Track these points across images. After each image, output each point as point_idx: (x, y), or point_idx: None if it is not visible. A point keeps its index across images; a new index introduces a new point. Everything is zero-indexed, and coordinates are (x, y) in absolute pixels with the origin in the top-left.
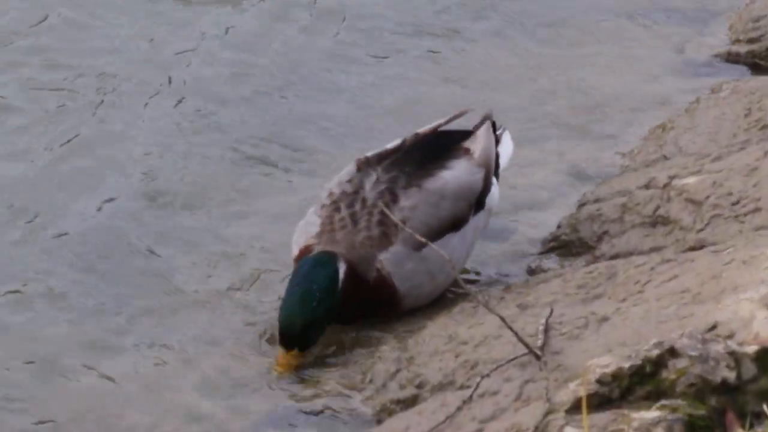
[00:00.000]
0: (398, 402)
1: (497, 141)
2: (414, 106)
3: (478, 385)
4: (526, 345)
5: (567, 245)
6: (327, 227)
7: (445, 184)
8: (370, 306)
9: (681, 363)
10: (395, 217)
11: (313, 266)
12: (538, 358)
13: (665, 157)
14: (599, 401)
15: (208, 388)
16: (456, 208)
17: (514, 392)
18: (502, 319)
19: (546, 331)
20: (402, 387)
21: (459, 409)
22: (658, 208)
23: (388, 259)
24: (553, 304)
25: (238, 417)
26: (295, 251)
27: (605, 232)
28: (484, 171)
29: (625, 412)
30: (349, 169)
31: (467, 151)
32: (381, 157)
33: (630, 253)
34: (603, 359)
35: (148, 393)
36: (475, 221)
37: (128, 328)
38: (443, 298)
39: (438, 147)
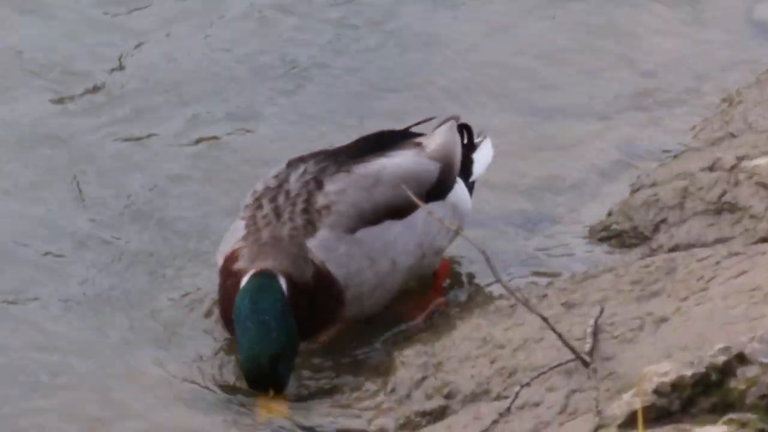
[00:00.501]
0: (424, 414)
1: (471, 146)
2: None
3: (516, 395)
4: (573, 349)
5: (619, 235)
6: (251, 228)
7: (382, 169)
8: (321, 312)
9: (751, 371)
10: (319, 204)
11: (254, 295)
12: (586, 364)
13: (732, 135)
14: (657, 414)
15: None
16: (396, 195)
17: (559, 404)
18: (545, 319)
19: (595, 333)
20: (429, 397)
21: (495, 422)
22: (724, 193)
23: (317, 246)
24: (604, 302)
25: None
26: (220, 261)
27: (663, 221)
28: (439, 165)
29: (687, 427)
30: (279, 167)
31: (418, 145)
32: (316, 153)
33: (691, 245)
34: (661, 366)
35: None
36: (429, 210)
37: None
38: (477, 295)
39: (384, 143)
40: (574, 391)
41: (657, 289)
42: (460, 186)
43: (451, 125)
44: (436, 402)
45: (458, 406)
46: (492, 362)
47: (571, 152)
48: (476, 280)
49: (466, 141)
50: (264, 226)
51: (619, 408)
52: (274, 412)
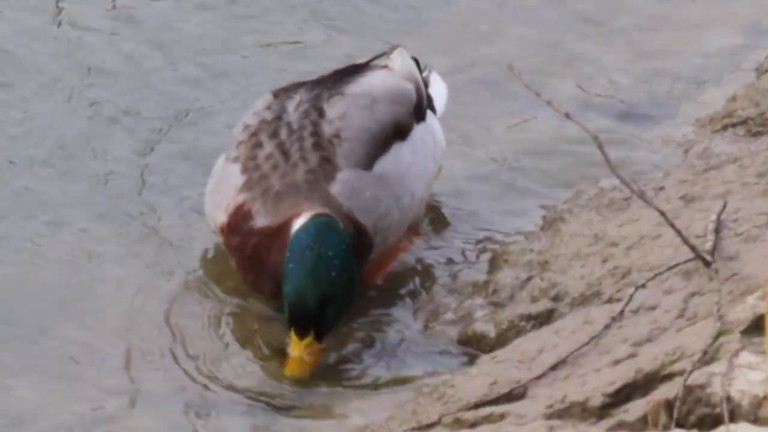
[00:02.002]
0: (529, 318)
1: (424, 81)
2: None
3: (630, 298)
4: (692, 248)
5: (744, 122)
6: (254, 173)
7: (371, 87)
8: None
9: None
10: (326, 135)
11: (320, 229)
12: (707, 264)
13: None
14: None
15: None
16: (394, 111)
17: (677, 307)
18: (663, 214)
19: (717, 230)
20: (534, 299)
21: (606, 327)
22: None
23: (340, 192)
24: (727, 196)
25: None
26: (222, 218)
27: None
28: (412, 84)
29: None
30: (265, 98)
31: (385, 67)
32: (301, 83)
33: None
34: None
35: None
36: (421, 132)
37: None
38: (588, 189)
39: (356, 71)
40: (693, 294)
41: None
42: (431, 115)
43: (401, 51)
44: (543, 305)
45: (566, 309)
46: (604, 261)
47: (690, 36)
48: (586, 171)
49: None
50: (271, 171)
51: (742, 312)
52: (302, 368)
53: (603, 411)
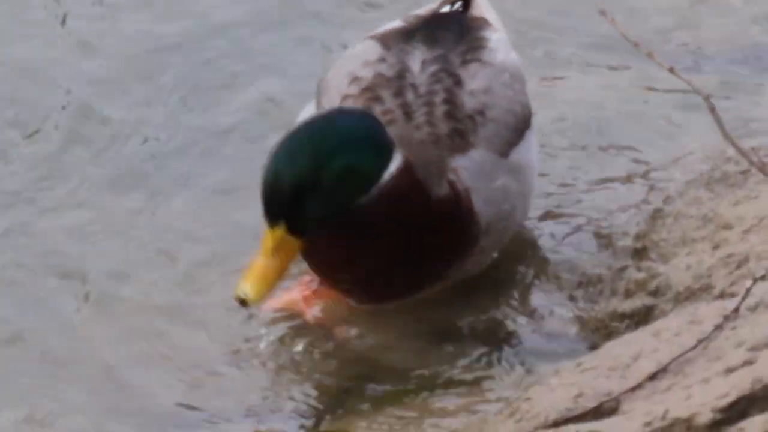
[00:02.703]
0: (623, 317)
1: None
2: None
3: (748, 292)
4: None
5: None
6: None
7: (505, 58)
8: (427, 241)
9: None
10: (468, 108)
11: (342, 112)
12: None
13: None
14: None
15: None
16: (524, 92)
17: None
18: None
19: None
20: (629, 294)
21: (718, 328)
22: None
23: (468, 168)
24: None
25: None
26: None
27: None
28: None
29: None
30: (371, 46)
31: (486, 22)
32: (405, 34)
33: None
34: None
35: None
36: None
37: None
38: (696, 161)
39: (452, 22)
40: None
41: None
42: None
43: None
44: (639, 300)
45: (668, 306)
46: (715, 248)
47: None
48: (690, 143)
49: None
50: (387, 124)
51: None
52: (258, 285)
53: (713, 429)
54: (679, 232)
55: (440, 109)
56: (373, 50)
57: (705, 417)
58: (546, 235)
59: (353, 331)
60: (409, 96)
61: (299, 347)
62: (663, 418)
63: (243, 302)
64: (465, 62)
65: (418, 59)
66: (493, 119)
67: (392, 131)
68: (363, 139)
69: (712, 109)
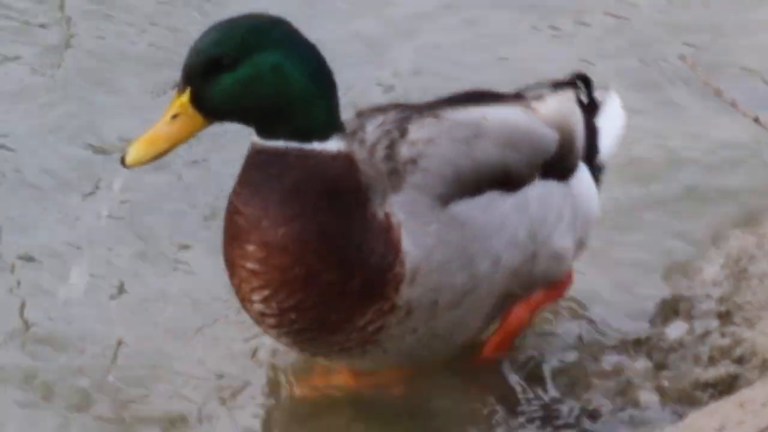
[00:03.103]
0: (706, 386)
1: (592, 108)
2: None
3: None
4: None
5: None
6: None
7: (484, 118)
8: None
9: None
10: (403, 156)
11: (309, 43)
12: None
13: None
14: None
15: None
16: (505, 156)
17: None
18: None
19: None
20: (712, 361)
21: None
22: None
23: (401, 203)
24: None
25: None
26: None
27: None
28: (557, 134)
29: None
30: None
31: (528, 106)
32: (393, 105)
33: None
34: None
35: None
36: (544, 192)
37: None
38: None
39: (480, 98)
40: None
41: None
42: (583, 173)
43: (570, 94)
44: (723, 368)
45: (754, 375)
46: None
47: None
48: None
49: (585, 99)
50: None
51: None
52: (149, 145)
53: None
54: (765, 294)
55: (380, 154)
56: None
57: None
58: (627, 295)
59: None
60: (354, 146)
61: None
62: None
63: (122, 161)
64: (421, 117)
65: (376, 122)
66: (424, 168)
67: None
68: (311, 64)
69: None
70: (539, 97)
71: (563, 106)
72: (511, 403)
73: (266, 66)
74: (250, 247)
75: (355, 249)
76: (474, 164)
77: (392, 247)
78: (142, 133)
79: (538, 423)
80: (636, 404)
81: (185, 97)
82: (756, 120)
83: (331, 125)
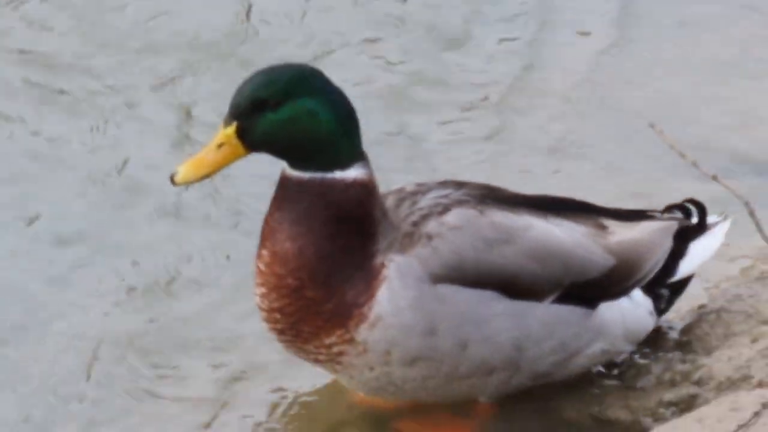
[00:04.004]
0: (669, 404)
1: (696, 230)
2: None
3: None
4: None
5: None
6: None
7: (525, 229)
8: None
9: None
10: (427, 229)
11: (339, 90)
12: None
13: None
14: None
15: None
16: (524, 268)
17: None
18: None
19: None
20: (674, 384)
21: (757, 415)
22: None
23: (399, 264)
24: None
25: None
26: None
27: None
28: (613, 262)
29: None
30: (431, 180)
31: (601, 227)
32: (479, 186)
33: None
34: None
35: None
36: (554, 318)
37: None
38: (736, 258)
39: (563, 208)
40: None
41: None
42: (633, 300)
43: (669, 228)
44: (684, 389)
45: (711, 395)
46: (754, 341)
47: None
48: (731, 240)
49: (694, 222)
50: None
51: None
52: (197, 167)
53: None
54: (721, 327)
55: (411, 219)
56: (426, 181)
57: None
58: None
59: None
60: (404, 205)
61: None
62: None
63: (172, 179)
64: (470, 206)
65: (442, 192)
66: (434, 248)
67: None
68: (340, 109)
69: (752, 213)
70: (637, 218)
71: (647, 236)
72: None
73: (304, 110)
74: (264, 251)
75: (341, 279)
76: (478, 263)
77: (370, 292)
78: (191, 157)
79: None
80: (608, 420)
81: (231, 129)
82: (714, 178)
83: (351, 156)
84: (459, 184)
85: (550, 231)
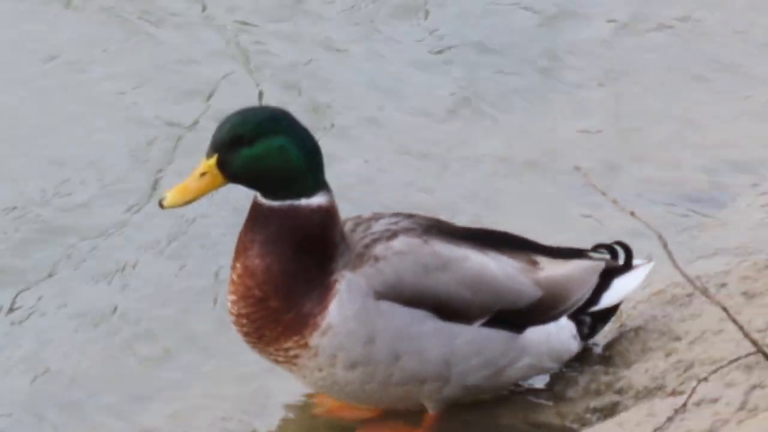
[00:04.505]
0: (594, 411)
1: (620, 270)
2: None
3: (693, 390)
4: (754, 342)
5: None
6: None
7: (461, 260)
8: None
9: None
10: (375, 252)
11: (305, 130)
12: None
13: None
14: None
15: None
16: (456, 294)
17: (738, 400)
18: (725, 309)
19: None
20: (598, 393)
21: (669, 419)
22: None
23: (349, 281)
24: None
25: None
26: None
27: None
28: (541, 294)
29: None
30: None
31: (533, 262)
32: (435, 220)
33: None
34: None
35: None
36: (481, 338)
37: None
38: (652, 283)
39: (505, 244)
40: (754, 387)
41: None
42: (557, 330)
43: (595, 268)
44: (608, 398)
45: (631, 402)
46: (667, 355)
47: (752, 127)
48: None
49: (620, 263)
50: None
51: None
52: (182, 194)
53: None
54: (639, 343)
55: (364, 241)
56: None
57: None
58: None
59: None
60: (360, 230)
61: None
62: None
63: (160, 204)
64: (417, 235)
65: (394, 220)
66: (378, 270)
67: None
68: (306, 146)
69: (665, 245)
70: (568, 257)
71: (576, 273)
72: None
73: (275, 146)
74: (237, 264)
75: (301, 293)
76: (414, 285)
77: (323, 305)
78: (177, 183)
79: None
80: (541, 424)
81: (213, 160)
82: (632, 214)
83: (315, 186)
84: (409, 215)
85: (485, 263)
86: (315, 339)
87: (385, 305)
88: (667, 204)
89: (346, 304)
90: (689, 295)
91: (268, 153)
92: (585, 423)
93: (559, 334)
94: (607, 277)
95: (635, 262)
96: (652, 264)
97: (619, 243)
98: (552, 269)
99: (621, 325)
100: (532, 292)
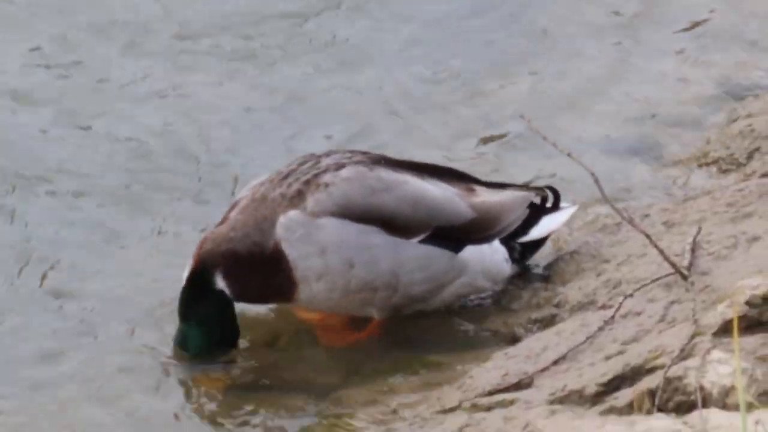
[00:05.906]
0: (535, 321)
1: (549, 210)
2: None
3: (620, 305)
4: (672, 264)
5: (716, 162)
6: (268, 177)
7: (402, 183)
8: (273, 285)
9: None
10: (323, 180)
11: (194, 300)
12: (684, 278)
13: None
14: (747, 324)
15: None
16: (399, 210)
17: (659, 313)
18: (648, 236)
19: (693, 250)
20: (539, 306)
21: (600, 329)
22: None
23: (281, 224)
24: (701, 222)
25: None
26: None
27: (757, 149)
28: (475, 215)
29: None
30: (345, 149)
31: (470, 189)
32: (379, 155)
33: None
34: (753, 280)
35: None
36: (424, 253)
37: None
38: (585, 215)
39: (442, 174)
40: (672, 302)
41: (750, 210)
42: (491, 253)
43: (525, 197)
44: (547, 311)
45: (566, 315)
46: (598, 275)
47: (675, 88)
48: (583, 201)
49: (549, 204)
50: (269, 182)
51: (713, 318)
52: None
53: (596, 398)
54: (574, 264)
55: (305, 177)
56: (338, 149)
57: (591, 389)
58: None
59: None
60: (306, 166)
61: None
62: (563, 390)
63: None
64: (363, 164)
65: (343, 154)
66: (327, 192)
67: (265, 189)
68: (216, 315)
69: (596, 180)
70: (501, 188)
71: (507, 200)
72: (413, 340)
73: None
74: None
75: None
76: (366, 206)
77: (279, 253)
78: None
79: (433, 349)
80: (490, 330)
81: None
82: (569, 155)
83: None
84: (363, 152)
85: (423, 186)
86: (300, 292)
87: (332, 221)
88: (599, 154)
89: (290, 241)
90: (617, 224)
91: (197, 331)
92: (528, 331)
93: (492, 256)
94: (536, 214)
95: (562, 204)
96: (576, 207)
97: (549, 187)
98: (486, 196)
99: (558, 249)
100: (467, 213)
